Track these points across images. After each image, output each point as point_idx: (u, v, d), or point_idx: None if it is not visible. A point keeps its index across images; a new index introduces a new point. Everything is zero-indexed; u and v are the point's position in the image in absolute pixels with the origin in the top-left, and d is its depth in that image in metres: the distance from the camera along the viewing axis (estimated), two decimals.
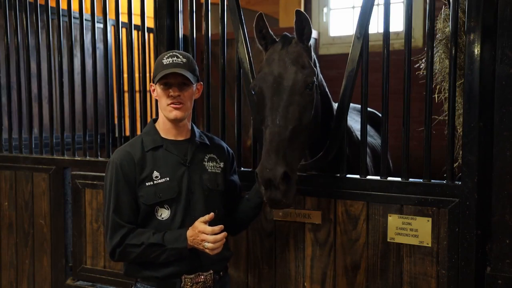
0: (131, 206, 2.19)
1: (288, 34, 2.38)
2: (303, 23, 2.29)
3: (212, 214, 2.13)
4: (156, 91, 2.25)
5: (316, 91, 2.34)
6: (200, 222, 2.12)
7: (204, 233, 2.08)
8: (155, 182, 2.19)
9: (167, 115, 2.23)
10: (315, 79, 2.27)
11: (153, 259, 2.17)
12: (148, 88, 4.22)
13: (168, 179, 2.21)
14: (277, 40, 2.41)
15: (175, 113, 2.20)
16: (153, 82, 2.27)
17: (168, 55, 2.23)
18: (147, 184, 2.19)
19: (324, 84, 2.57)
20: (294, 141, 2.14)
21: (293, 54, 2.28)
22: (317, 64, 2.48)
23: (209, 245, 2.07)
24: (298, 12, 2.26)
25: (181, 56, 2.23)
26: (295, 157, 2.18)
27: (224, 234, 2.12)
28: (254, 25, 2.43)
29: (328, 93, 2.60)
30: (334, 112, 2.61)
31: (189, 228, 2.15)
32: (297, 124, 2.16)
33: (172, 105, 2.20)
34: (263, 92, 2.24)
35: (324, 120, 2.49)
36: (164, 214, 2.21)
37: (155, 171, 2.21)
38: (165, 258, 2.15)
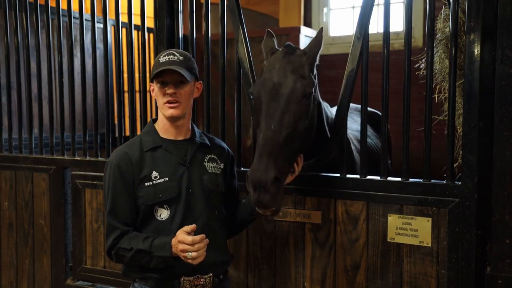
0: (129, 208, 2.18)
1: (291, 44, 2.40)
2: (319, 43, 2.38)
3: (194, 226, 2.06)
4: (154, 90, 2.25)
5: (314, 102, 2.35)
6: (182, 231, 2.05)
7: (184, 243, 2.01)
8: (154, 182, 2.18)
9: (164, 113, 2.22)
10: (313, 90, 2.29)
11: (145, 265, 2.15)
12: (148, 88, 4.22)
13: (167, 179, 2.20)
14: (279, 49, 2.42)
15: (171, 111, 2.19)
16: (151, 81, 2.27)
17: (165, 53, 2.23)
18: (146, 184, 2.18)
19: (319, 99, 2.54)
20: (286, 147, 2.16)
21: (294, 63, 2.30)
22: (317, 78, 2.46)
23: (192, 254, 2.00)
24: (320, 31, 2.40)
25: (177, 54, 2.22)
26: (286, 163, 2.20)
27: (206, 241, 2.04)
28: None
29: (323, 106, 2.60)
30: (327, 120, 2.61)
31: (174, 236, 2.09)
32: (291, 131, 2.18)
33: (167, 104, 2.19)
34: (261, 97, 2.26)
35: (318, 128, 2.50)
36: (163, 214, 2.19)
37: (154, 171, 2.20)
38: (155, 265, 2.12)
